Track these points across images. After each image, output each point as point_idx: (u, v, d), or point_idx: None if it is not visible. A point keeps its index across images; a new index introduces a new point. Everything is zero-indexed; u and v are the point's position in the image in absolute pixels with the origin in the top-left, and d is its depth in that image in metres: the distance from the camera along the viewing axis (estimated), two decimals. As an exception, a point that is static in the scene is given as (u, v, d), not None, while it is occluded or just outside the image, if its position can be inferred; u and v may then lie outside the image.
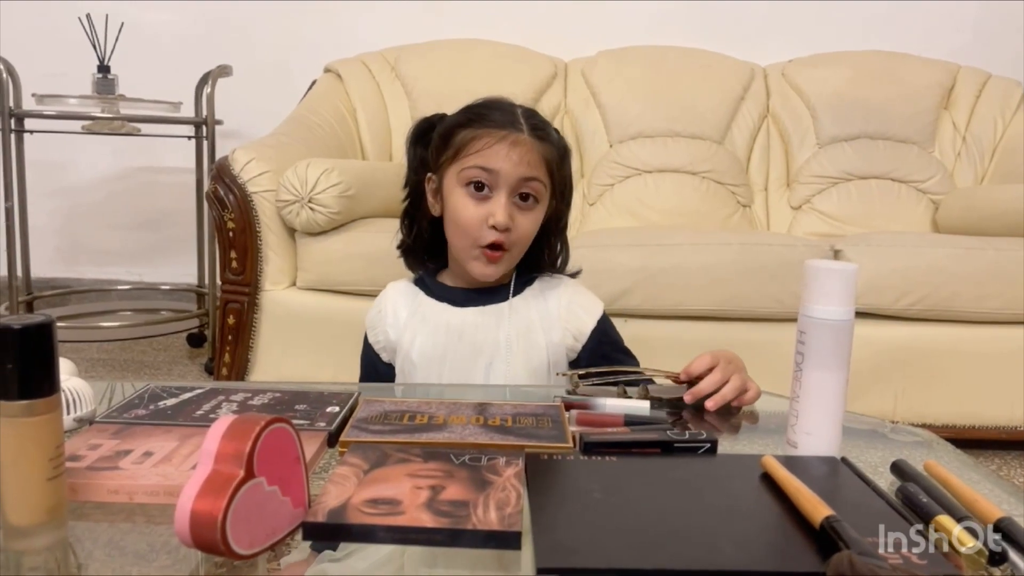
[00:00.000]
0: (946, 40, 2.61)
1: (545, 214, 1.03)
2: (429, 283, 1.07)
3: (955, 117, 2.44)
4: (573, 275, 1.11)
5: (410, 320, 1.05)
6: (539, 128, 1.01)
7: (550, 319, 1.04)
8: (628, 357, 1.06)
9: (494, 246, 0.98)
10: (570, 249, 1.11)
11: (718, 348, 0.94)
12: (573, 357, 1.05)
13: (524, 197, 0.99)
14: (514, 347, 1.01)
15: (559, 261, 1.10)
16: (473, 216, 0.98)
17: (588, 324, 1.04)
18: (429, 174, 1.05)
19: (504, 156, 0.97)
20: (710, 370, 0.86)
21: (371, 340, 1.08)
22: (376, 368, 1.08)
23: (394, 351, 1.06)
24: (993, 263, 1.74)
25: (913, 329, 1.77)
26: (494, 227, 0.97)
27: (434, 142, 1.04)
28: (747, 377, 0.88)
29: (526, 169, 0.97)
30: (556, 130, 1.06)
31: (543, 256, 1.07)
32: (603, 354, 1.04)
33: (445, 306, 1.04)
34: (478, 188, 0.98)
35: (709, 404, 0.85)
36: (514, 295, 1.05)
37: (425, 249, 1.09)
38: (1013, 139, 2.36)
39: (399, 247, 1.12)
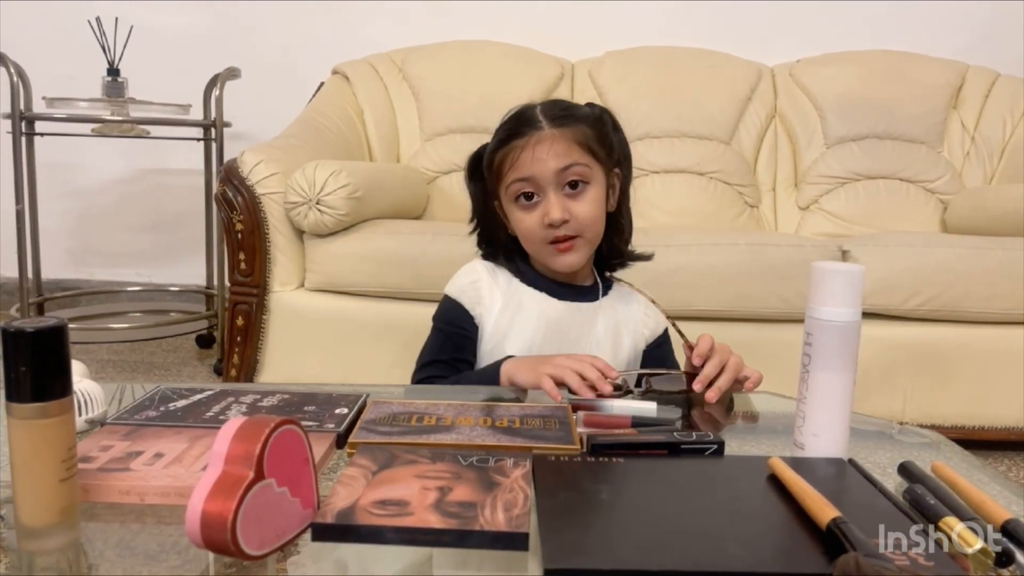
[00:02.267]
0: (954, 39, 2.60)
1: (609, 183, 1.05)
2: (523, 269, 1.09)
3: (964, 117, 2.43)
4: (647, 257, 1.14)
5: (506, 308, 1.07)
6: (559, 116, 1.03)
7: (634, 321, 1.09)
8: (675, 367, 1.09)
9: (559, 239, 1.01)
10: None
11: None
12: (638, 354, 1.11)
13: (573, 185, 1.01)
14: (603, 345, 1.06)
15: (627, 234, 1.12)
16: (532, 224, 1.02)
17: (657, 331, 1.12)
18: (496, 201, 1.08)
19: (534, 160, 1.00)
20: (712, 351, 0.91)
21: (467, 306, 1.08)
22: (463, 327, 1.08)
23: (484, 327, 1.08)
24: (1002, 263, 1.73)
25: (921, 329, 1.76)
26: (551, 225, 1.00)
27: (485, 173, 1.08)
28: (744, 365, 0.92)
29: (558, 161, 1.00)
30: (588, 105, 1.08)
31: (613, 236, 1.09)
32: (657, 356, 1.10)
33: (543, 296, 1.07)
34: (527, 198, 1.02)
35: (710, 396, 0.87)
36: (603, 296, 1.09)
37: (510, 255, 1.11)
38: (1022, 139, 2.35)
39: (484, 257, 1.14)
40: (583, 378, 0.85)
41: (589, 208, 1.01)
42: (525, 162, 1.00)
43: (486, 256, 1.13)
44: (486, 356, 1.07)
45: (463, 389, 0.99)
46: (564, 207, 0.99)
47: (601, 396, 0.84)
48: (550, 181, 1.00)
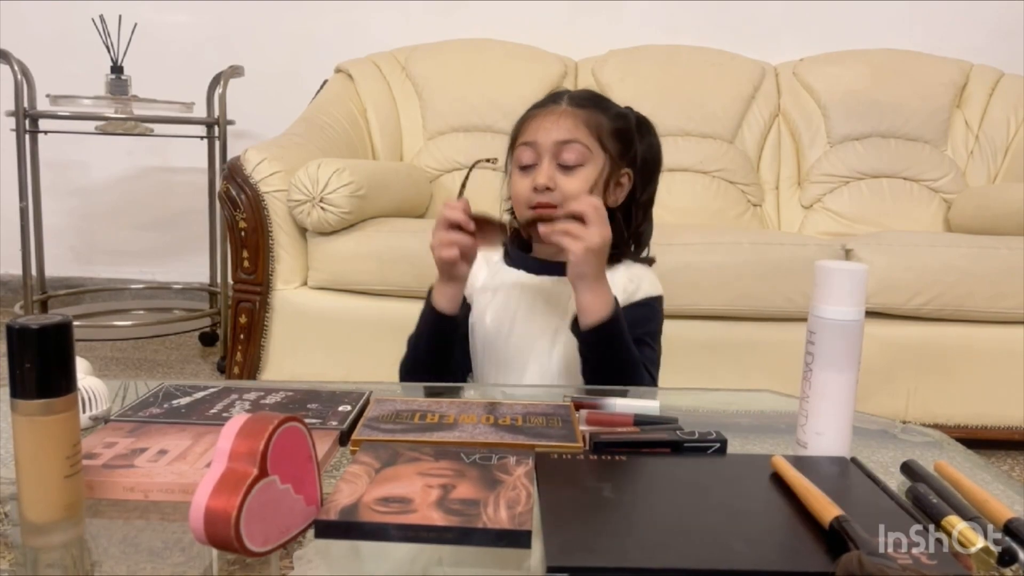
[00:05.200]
0: (958, 38, 2.59)
1: (604, 177, 1.04)
2: (513, 254, 1.11)
3: (968, 115, 2.43)
4: (647, 261, 1.13)
5: (486, 286, 1.09)
6: (582, 99, 1.06)
7: (615, 290, 1.04)
8: (640, 345, 1.03)
9: (540, 205, 1.02)
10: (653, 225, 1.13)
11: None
12: None
13: (568, 160, 1.02)
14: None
15: (642, 237, 1.12)
16: (522, 188, 1.04)
17: (636, 295, 1.06)
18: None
19: (539, 127, 1.03)
20: None
21: None
22: None
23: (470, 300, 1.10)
24: (1006, 262, 1.73)
25: (925, 329, 1.76)
26: (535, 189, 1.01)
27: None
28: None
29: (560, 133, 1.02)
30: (627, 108, 1.11)
31: (622, 232, 1.08)
32: (630, 317, 1.05)
33: (521, 272, 1.09)
34: (526, 167, 1.04)
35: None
36: None
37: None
38: (1026, 137, 2.34)
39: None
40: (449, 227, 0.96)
41: (576, 185, 1.01)
42: (531, 129, 1.04)
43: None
44: (471, 330, 1.09)
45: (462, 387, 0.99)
46: (552, 176, 1.01)
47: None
48: (548, 150, 1.02)
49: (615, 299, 0.97)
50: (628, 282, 1.06)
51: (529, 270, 1.09)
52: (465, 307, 1.07)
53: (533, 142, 1.03)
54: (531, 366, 1.05)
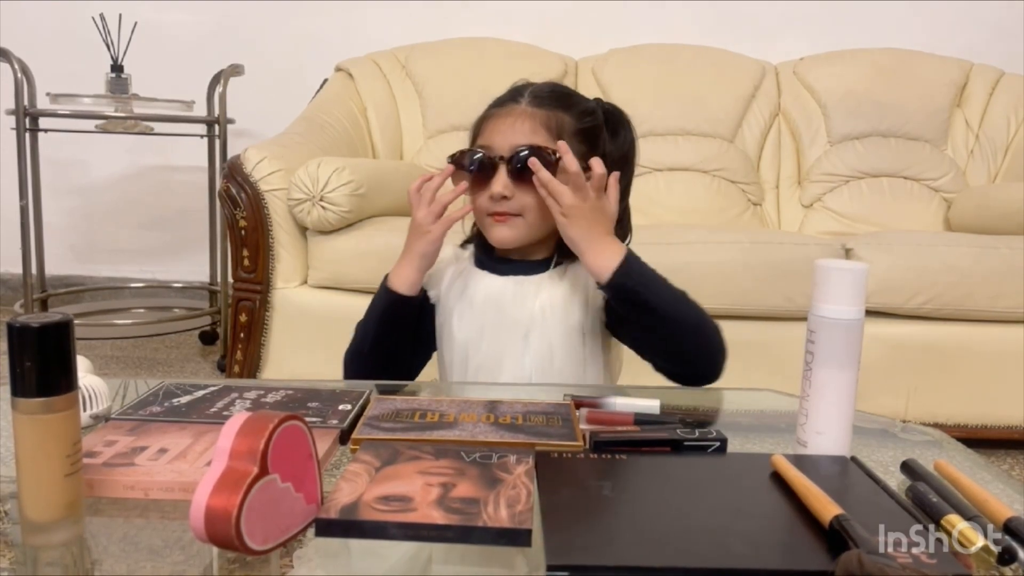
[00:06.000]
0: (958, 37, 2.59)
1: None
2: (479, 253, 1.08)
3: (968, 115, 2.43)
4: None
5: (452, 286, 1.06)
6: (543, 97, 1.01)
7: (584, 281, 1.01)
8: None
9: (498, 213, 0.99)
10: (631, 221, 1.08)
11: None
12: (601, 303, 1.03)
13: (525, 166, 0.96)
14: (548, 315, 1.01)
15: (623, 230, 1.06)
16: (480, 200, 1.00)
17: None
18: None
19: (496, 130, 0.99)
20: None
21: (423, 283, 1.08)
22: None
23: (435, 302, 1.08)
24: (1006, 262, 1.73)
25: (925, 328, 1.76)
26: (491, 198, 0.98)
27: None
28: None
29: (517, 137, 0.98)
30: (596, 100, 1.06)
31: None
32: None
33: (485, 274, 1.05)
34: (484, 169, 0.99)
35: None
36: (555, 266, 1.04)
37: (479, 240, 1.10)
38: (1027, 137, 2.34)
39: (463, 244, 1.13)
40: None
41: (536, 194, 0.96)
42: (488, 131, 1.00)
43: (465, 243, 1.12)
44: (439, 333, 1.07)
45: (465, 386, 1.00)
46: (507, 184, 0.97)
47: None
48: (504, 156, 0.98)
49: (626, 248, 0.94)
50: None
51: (493, 271, 1.05)
52: (422, 292, 1.06)
53: (488, 147, 0.99)
54: (505, 371, 1.02)
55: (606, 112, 1.06)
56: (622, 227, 1.07)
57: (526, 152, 0.95)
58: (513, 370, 1.02)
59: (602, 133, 1.04)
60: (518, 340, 1.02)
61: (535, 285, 1.02)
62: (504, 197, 0.97)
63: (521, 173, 0.96)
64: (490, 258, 1.06)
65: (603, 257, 0.92)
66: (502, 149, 0.98)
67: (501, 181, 0.97)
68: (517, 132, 0.98)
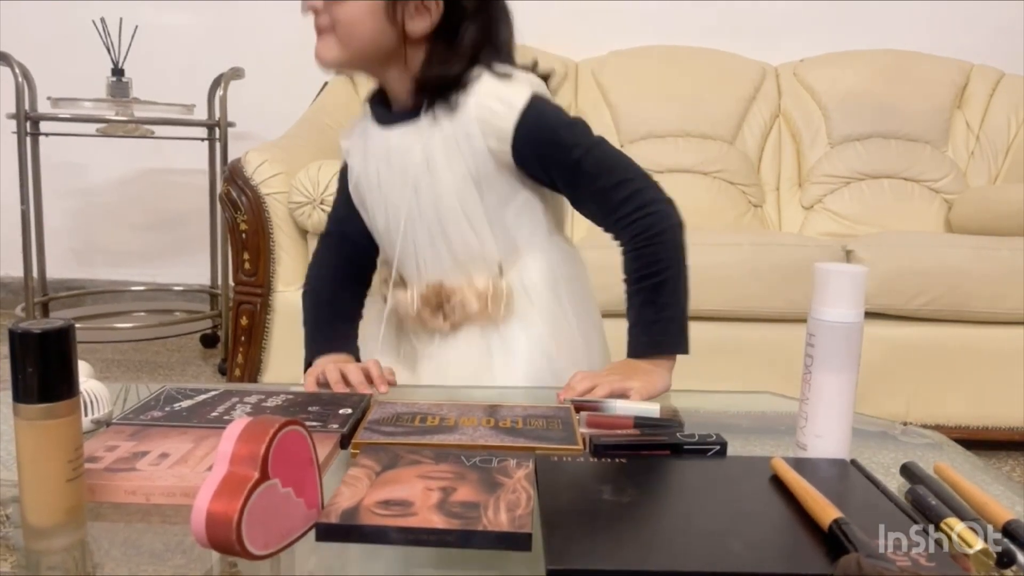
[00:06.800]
0: (958, 39, 2.59)
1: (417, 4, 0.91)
2: (373, 103, 1.03)
3: (968, 116, 2.43)
4: (544, 77, 1.00)
5: (355, 142, 1.04)
6: None
7: (468, 121, 0.93)
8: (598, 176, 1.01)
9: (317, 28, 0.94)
10: (509, 30, 0.98)
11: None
12: (511, 162, 0.95)
13: None
14: (432, 166, 0.95)
15: (498, 42, 0.96)
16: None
17: (508, 120, 0.92)
18: None
19: None
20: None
21: (343, 148, 1.07)
22: (343, 169, 1.10)
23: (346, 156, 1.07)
24: (1007, 263, 1.73)
25: (925, 329, 1.76)
26: (303, 12, 0.94)
27: None
28: (636, 383, 0.89)
29: None
30: None
31: (447, 60, 0.94)
32: (547, 162, 0.96)
33: (374, 125, 1.01)
34: None
35: (561, 393, 0.88)
36: (426, 110, 0.95)
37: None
38: (1027, 138, 2.35)
39: None
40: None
41: (349, 10, 0.90)
42: None
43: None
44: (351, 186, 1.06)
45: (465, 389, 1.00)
46: None
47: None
48: None
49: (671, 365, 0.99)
50: (487, 123, 0.92)
51: (379, 120, 1.00)
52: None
53: None
54: (403, 228, 0.99)
55: None
56: (499, 44, 0.97)
57: None
58: (411, 224, 0.99)
59: None
60: (409, 194, 0.97)
61: (415, 135, 0.96)
62: (314, 11, 0.92)
63: None
64: (379, 108, 1.02)
65: (656, 389, 0.93)
66: None
67: None
68: None
